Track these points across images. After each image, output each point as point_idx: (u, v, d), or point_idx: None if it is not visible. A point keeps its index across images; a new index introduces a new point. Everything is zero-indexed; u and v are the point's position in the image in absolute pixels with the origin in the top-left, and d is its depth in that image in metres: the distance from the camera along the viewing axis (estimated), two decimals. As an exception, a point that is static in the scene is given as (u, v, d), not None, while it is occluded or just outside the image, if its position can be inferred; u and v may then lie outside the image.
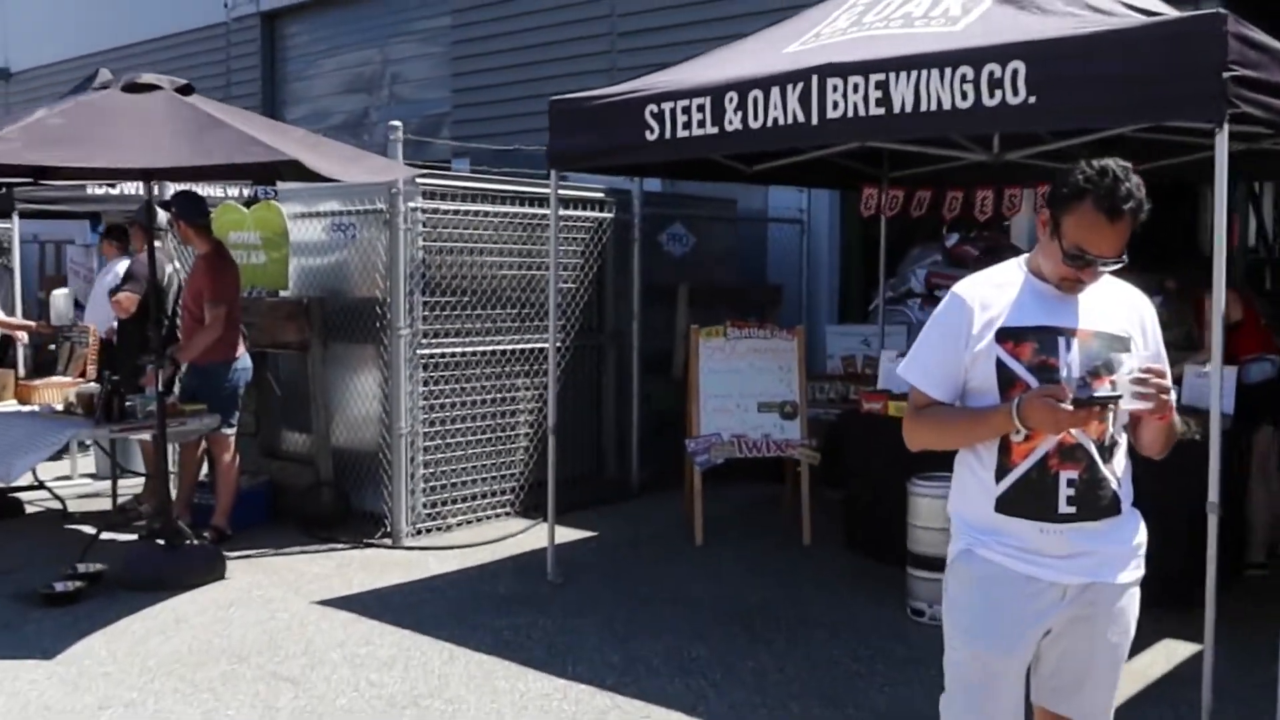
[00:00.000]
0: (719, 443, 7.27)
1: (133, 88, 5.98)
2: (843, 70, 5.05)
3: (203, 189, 9.97)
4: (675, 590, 6.31)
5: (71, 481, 9.06)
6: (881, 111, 4.96)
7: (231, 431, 7.25)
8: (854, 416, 7.09)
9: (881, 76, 4.94)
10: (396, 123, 7.15)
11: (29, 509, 8.22)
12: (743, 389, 7.39)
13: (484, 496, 7.77)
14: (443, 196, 7.48)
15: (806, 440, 7.34)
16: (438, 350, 7.43)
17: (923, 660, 5.18)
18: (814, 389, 8.13)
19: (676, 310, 8.80)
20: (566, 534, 7.22)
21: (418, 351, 7.28)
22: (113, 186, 9.97)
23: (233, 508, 7.32)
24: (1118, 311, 2.84)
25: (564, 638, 5.52)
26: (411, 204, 7.21)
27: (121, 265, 8.30)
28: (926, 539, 5.67)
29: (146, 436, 6.96)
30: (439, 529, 7.45)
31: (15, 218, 9.89)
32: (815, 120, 5.16)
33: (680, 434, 7.86)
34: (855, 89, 5.01)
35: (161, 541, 6.55)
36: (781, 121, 5.30)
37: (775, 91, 5.30)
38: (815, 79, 5.14)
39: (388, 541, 7.20)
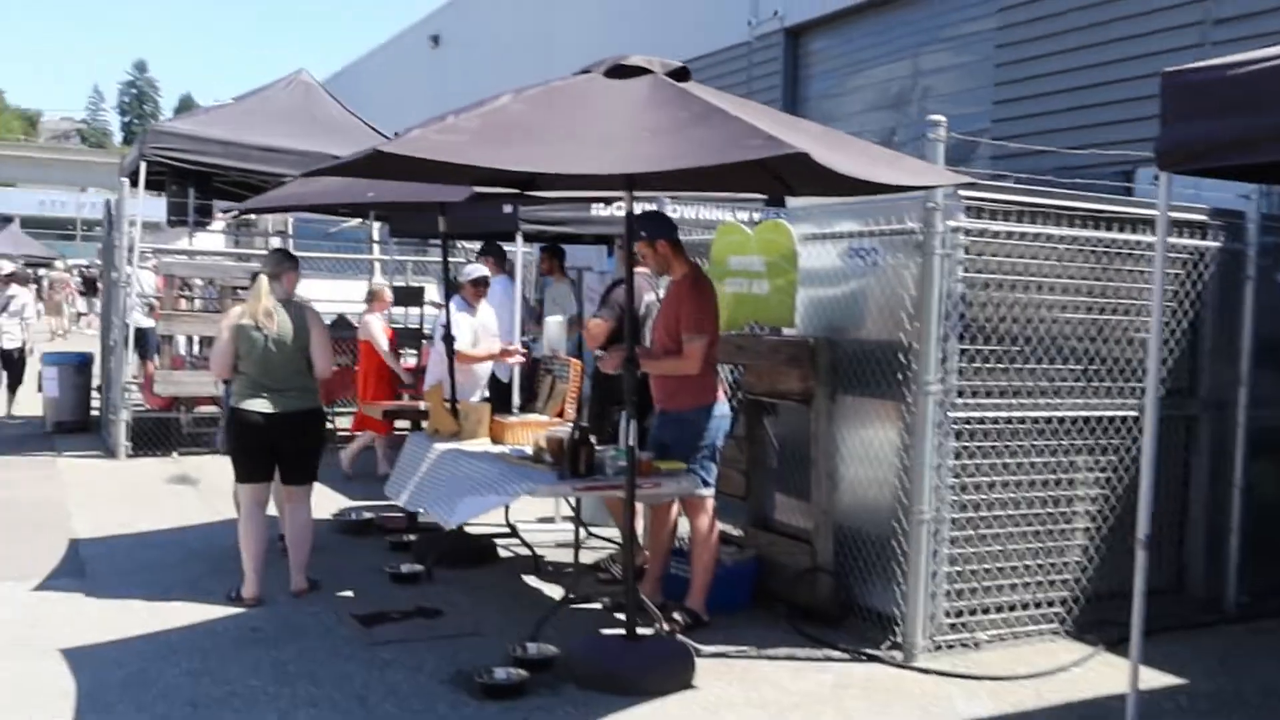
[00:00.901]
0: (1391, 576, 4.97)
1: (617, 72, 4.86)
2: None
3: (707, 211, 9.00)
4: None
5: (553, 526, 8.28)
6: None
7: (709, 493, 6.00)
8: None
9: None
10: (938, 117, 5.56)
11: (503, 553, 7.53)
12: None
13: (1024, 607, 5.92)
14: (992, 214, 5.77)
15: None
16: (975, 414, 5.71)
17: None
18: None
19: (1303, 375, 6.49)
20: (1140, 675, 5.22)
21: (949, 414, 5.61)
22: (616, 205, 9.18)
23: (710, 586, 6.06)
24: None
25: None
26: (951, 223, 5.58)
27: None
28: None
29: (616, 495, 5.85)
30: (963, 645, 5.72)
31: (519, 239, 9.36)
32: None
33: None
34: None
35: (622, 618, 5.39)
36: None
37: None
38: None
39: (897, 655, 5.58)
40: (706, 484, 5.97)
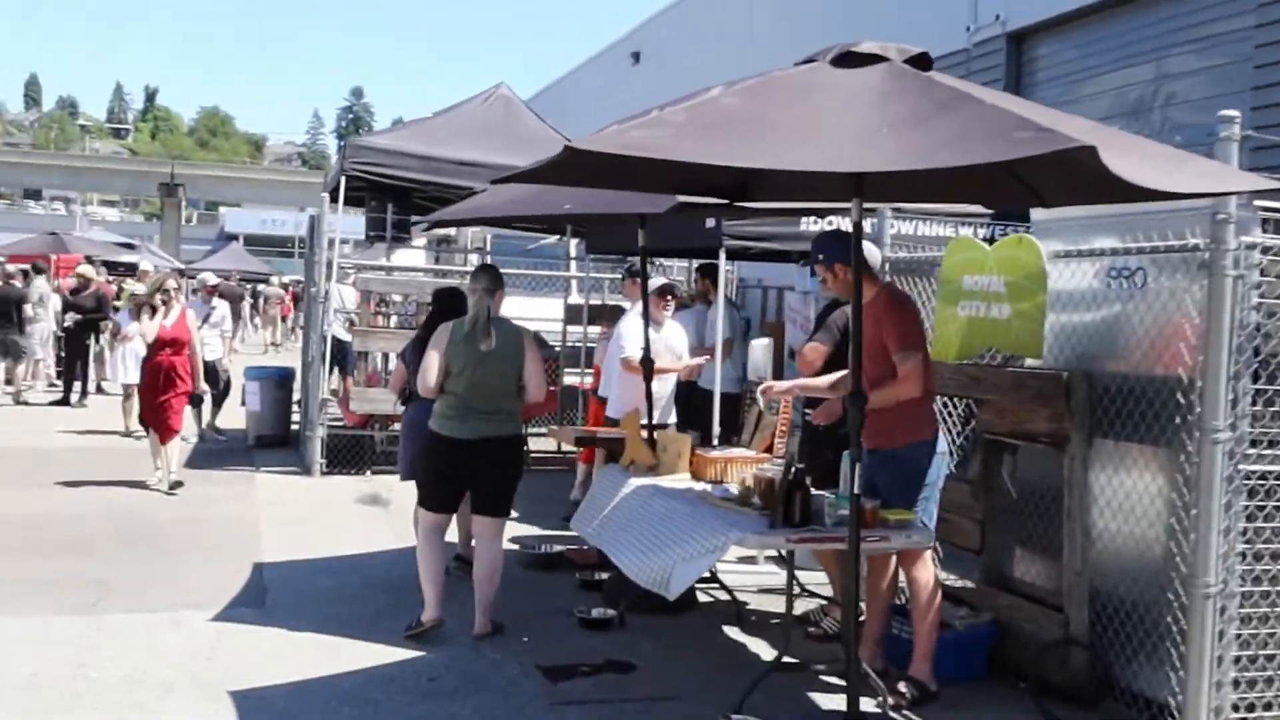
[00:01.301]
0: None
1: (846, 60, 4.18)
2: None
3: (926, 226, 8.19)
4: None
5: (756, 567, 7.58)
6: None
7: (930, 543, 5.23)
8: None
9: None
10: (1232, 112, 4.65)
11: (701, 596, 6.89)
12: None
13: (1331, 703, 4.93)
14: (1294, 228, 4.82)
15: None
16: (1273, 467, 4.76)
17: None
18: None
19: None
20: None
21: (1240, 467, 4.68)
22: (828, 219, 8.43)
23: (937, 651, 5.28)
24: None
25: None
26: (1246, 239, 4.65)
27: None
28: None
29: (836, 548, 5.13)
30: (1254, 744, 4.78)
31: (722, 255, 8.70)
32: None
33: None
34: None
35: (836, 680, 4.68)
36: None
37: None
38: None
39: (1171, 751, 4.69)
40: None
